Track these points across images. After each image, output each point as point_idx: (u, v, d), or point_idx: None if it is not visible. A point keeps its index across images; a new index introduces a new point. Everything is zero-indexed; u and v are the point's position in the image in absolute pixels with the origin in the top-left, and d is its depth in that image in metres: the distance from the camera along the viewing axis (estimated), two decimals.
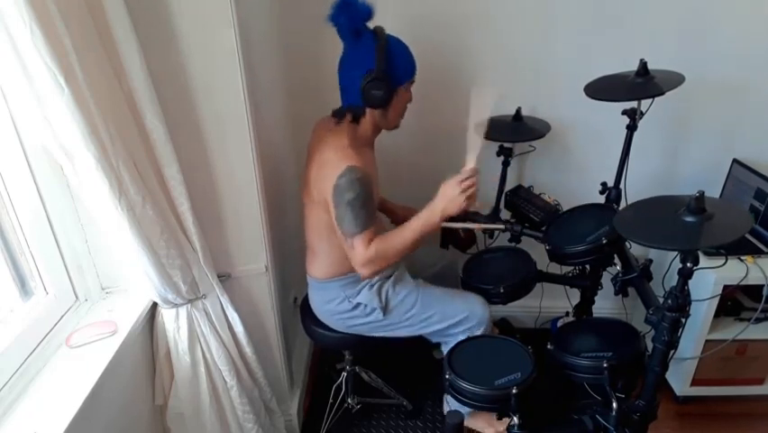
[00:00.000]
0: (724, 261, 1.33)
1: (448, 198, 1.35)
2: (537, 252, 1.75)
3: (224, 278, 1.48)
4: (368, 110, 1.41)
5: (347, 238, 1.35)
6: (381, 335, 1.58)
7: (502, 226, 1.67)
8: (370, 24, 1.36)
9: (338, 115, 1.45)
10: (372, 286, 1.53)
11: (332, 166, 1.32)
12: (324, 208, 1.38)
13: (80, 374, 1.10)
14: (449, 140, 2.02)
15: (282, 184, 1.82)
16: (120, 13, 1.05)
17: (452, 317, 1.52)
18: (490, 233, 1.88)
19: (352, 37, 1.34)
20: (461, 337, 1.50)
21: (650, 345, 1.28)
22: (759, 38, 1.80)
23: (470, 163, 1.37)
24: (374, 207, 1.38)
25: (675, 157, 2.03)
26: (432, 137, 2.02)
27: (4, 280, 1.12)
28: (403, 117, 1.49)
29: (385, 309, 1.53)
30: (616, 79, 1.57)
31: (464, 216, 1.84)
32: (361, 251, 1.34)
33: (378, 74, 1.32)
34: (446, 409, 1.71)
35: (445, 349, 1.59)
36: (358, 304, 1.53)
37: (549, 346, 1.43)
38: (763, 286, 1.68)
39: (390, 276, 1.57)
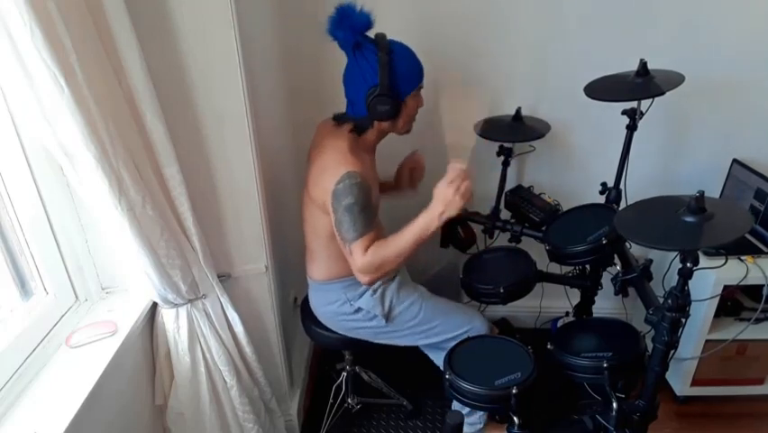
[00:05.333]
0: (724, 261, 1.33)
1: (444, 201, 1.29)
2: (537, 252, 1.75)
3: (223, 278, 1.48)
4: (375, 122, 1.39)
5: (346, 244, 1.32)
6: (382, 342, 1.57)
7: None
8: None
9: (338, 119, 1.44)
10: (375, 291, 1.51)
11: (330, 171, 1.31)
12: (323, 211, 1.37)
13: (80, 374, 1.10)
14: (449, 138, 2.03)
15: (282, 184, 1.82)
16: (120, 13, 1.05)
17: (452, 330, 1.51)
18: (491, 233, 1.88)
19: (352, 50, 1.31)
20: None
21: (650, 345, 1.28)
22: (759, 38, 1.80)
23: (458, 163, 1.33)
24: (373, 213, 1.36)
25: (675, 157, 2.03)
26: (433, 135, 2.02)
27: (4, 280, 1.12)
28: (414, 121, 1.46)
29: (387, 316, 1.51)
30: (616, 79, 1.57)
31: (464, 215, 1.84)
32: (358, 257, 1.31)
33: (382, 89, 1.30)
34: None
35: (437, 359, 1.59)
36: (359, 309, 1.52)
37: (549, 346, 1.43)
38: (763, 286, 1.68)
39: (394, 280, 1.57)
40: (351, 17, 1.27)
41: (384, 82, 1.29)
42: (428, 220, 1.32)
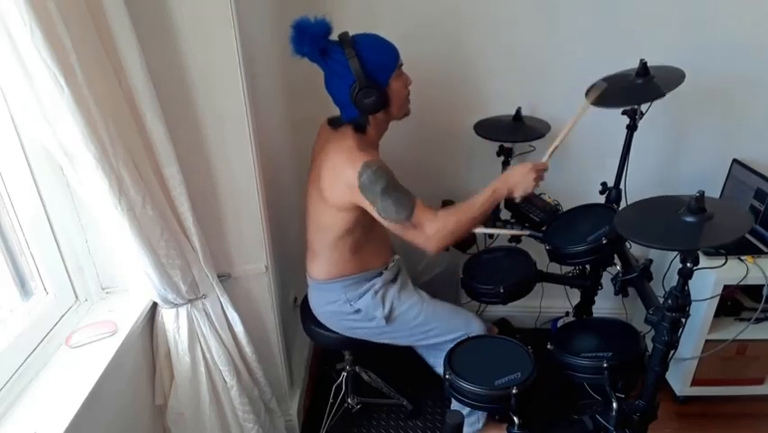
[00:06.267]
0: (724, 261, 1.33)
1: (521, 175, 1.40)
2: (537, 252, 1.74)
3: (223, 278, 1.48)
4: (370, 116, 1.40)
5: (403, 223, 1.33)
6: (381, 342, 1.58)
7: (527, 232, 1.68)
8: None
9: (334, 124, 1.44)
10: (377, 293, 1.51)
11: (347, 168, 1.31)
12: (342, 210, 1.38)
13: (80, 374, 1.10)
14: (450, 138, 2.03)
15: (282, 184, 1.82)
16: (120, 13, 1.05)
17: (450, 332, 1.51)
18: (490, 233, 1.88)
19: (321, 58, 1.32)
20: None
21: (650, 345, 1.28)
22: (759, 38, 1.80)
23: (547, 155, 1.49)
24: (404, 187, 1.37)
25: (675, 157, 2.03)
26: (433, 136, 2.02)
27: (4, 280, 1.12)
28: (409, 102, 1.46)
29: (388, 318, 1.51)
30: (616, 81, 1.56)
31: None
32: (429, 224, 1.33)
33: (361, 82, 1.30)
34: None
35: (433, 360, 1.60)
36: (359, 309, 1.52)
37: (549, 346, 1.43)
38: (763, 286, 1.68)
39: (395, 282, 1.57)
40: (309, 29, 1.28)
41: (360, 75, 1.30)
42: (500, 187, 1.41)
